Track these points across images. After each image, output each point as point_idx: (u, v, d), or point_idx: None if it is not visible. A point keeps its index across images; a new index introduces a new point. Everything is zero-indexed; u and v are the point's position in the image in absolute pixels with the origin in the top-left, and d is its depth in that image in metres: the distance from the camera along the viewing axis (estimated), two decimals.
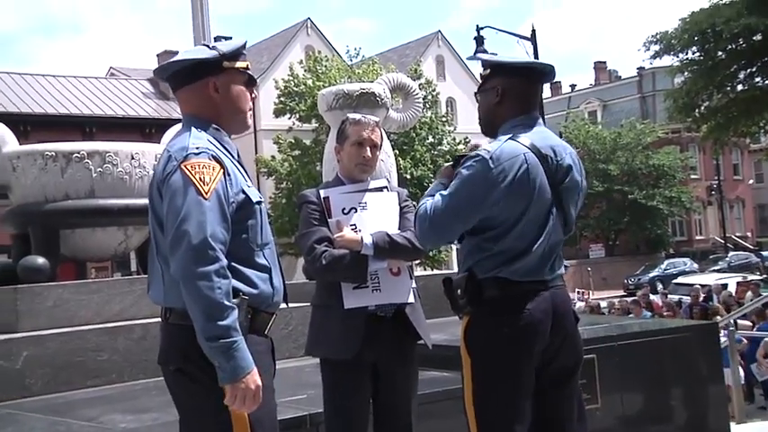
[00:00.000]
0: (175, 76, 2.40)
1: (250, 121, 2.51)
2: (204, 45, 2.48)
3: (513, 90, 2.63)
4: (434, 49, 36.72)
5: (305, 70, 27.58)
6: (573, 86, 50.96)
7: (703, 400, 4.65)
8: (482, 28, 18.49)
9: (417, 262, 3.45)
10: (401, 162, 25.00)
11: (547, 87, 51.88)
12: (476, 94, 2.81)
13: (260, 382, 2.16)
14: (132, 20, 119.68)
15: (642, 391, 4.40)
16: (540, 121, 2.69)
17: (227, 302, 2.13)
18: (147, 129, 23.44)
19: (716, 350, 4.96)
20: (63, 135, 15.47)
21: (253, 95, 2.47)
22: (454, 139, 27.76)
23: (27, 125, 22.46)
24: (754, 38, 19.61)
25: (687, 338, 4.68)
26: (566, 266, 2.75)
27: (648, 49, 21.24)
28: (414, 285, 2.99)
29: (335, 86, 3.58)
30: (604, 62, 51.10)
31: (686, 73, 21.39)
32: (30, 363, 4.12)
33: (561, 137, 21.58)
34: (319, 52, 29.24)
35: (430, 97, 27.68)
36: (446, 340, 3.69)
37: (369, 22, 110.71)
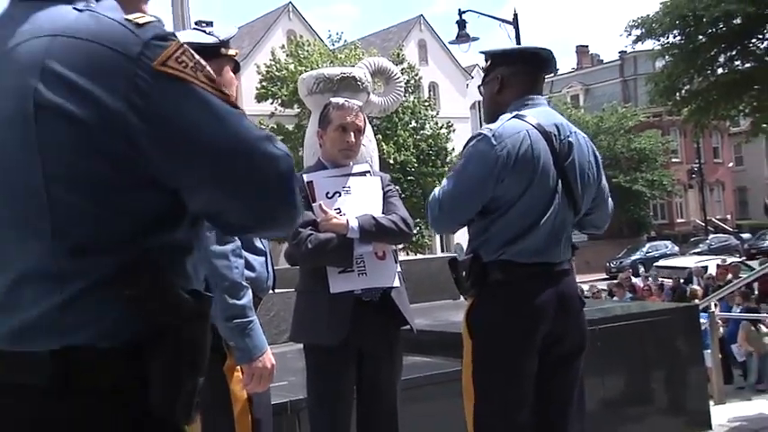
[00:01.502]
0: None
1: None
2: (200, 30, 2.49)
3: (514, 77, 2.64)
4: (416, 34, 36.70)
5: (287, 55, 27.50)
6: (555, 71, 51.13)
7: (683, 381, 4.70)
8: (464, 12, 18.45)
9: (400, 246, 3.44)
10: (384, 147, 24.99)
11: None
12: (479, 87, 2.82)
13: (274, 361, 2.18)
14: None
15: (623, 374, 4.45)
16: (544, 101, 2.69)
17: (243, 282, 2.16)
18: None
19: (696, 332, 5.02)
20: None
21: (235, 83, 2.51)
22: (437, 123, 27.79)
23: None
24: (734, 22, 19.87)
25: (667, 321, 4.72)
26: (575, 247, 2.71)
27: (630, 34, 21.57)
28: (399, 269, 2.98)
29: (316, 71, 3.53)
30: (586, 46, 51.37)
31: (667, 57, 21.70)
32: None
33: None
34: (301, 37, 29.17)
35: (412, 82, 27.66)
36: (429, 325, 3.71)
37: (352, 8, 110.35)
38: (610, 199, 2.88)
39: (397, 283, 2.92)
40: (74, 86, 1.10)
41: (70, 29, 1.13)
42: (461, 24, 18.18)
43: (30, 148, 1.11)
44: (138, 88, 1.10)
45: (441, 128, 27.36)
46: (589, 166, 2.66)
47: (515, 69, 2.64)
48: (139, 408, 1.13)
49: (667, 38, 21.12)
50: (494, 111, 2.69)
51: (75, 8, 1.17)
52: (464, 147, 2.59)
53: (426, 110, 28.13)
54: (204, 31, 2.43)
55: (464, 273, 2.55)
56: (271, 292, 2.51)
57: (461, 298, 2.69)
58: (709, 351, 6.59)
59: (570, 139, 2.59)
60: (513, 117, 2.55)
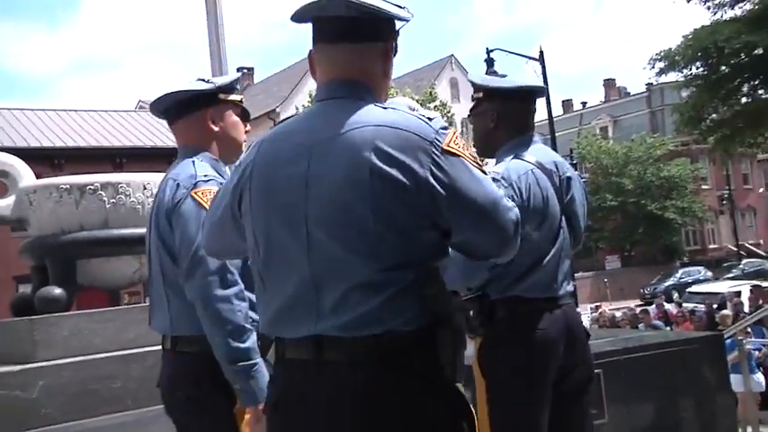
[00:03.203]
0: (173, 108, 2.43)
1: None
2: (200, 79, 2.48)
3: (509, 113, 2.66)
4: (448, 73, 37.74)
5: None
6: (584, 104, 51.69)
7: (710, 410, 4.63)
8: (492, 50, 19.27)
9: None
10: None
11: (559, 105, 52.63)
12: (468, 115, 2.85)
13: None
14: (162, 55, 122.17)
15: (648, 404, 4.41)
16: (537, 138, 2.71)
17: (247, 325, 2.14)
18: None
19: (721, 360, 4.95)
20: (95, 167, 16.11)
21: (247, 128, 2.52)
22: None
23: (61, 159, 23.50)
24: (756, 52, 20.04)
25: (692, 350, 4.69)
26: (573, 284, 2.71)
27: (653, 67, 21.87)
28: None
29: None
30: (613, 79, 51.82)
31: (691, 87, 21.88)
32: (45, 392, 4.15)
33: (572, 153, 21.93)
34: None
35: (445, 119, 28.48)
36: None
37: None
38: None
39: None
40: (396, 160, 1.54)
41: (388, 121, 1.58)
42: (489, 62, 19.03)
43: (364, 200, 1.53)
44: (436, 161, 1.56)
45: None
46: (584, 199, 2.72)
47: (511, 106, 2.65)
48: (431, 370, 1.55)
49: (690, 69, 21.28)
50: (489, 144, 2.73)
51: (376, 105, 1.64)
52: None
53: None
54: (204, 80, 2.45)
55: (471, 312, 2.52)
56: None
57: None
58: (740, 376, 6.59)
59: (568, 174, 2.64)
60: (515, 157, 2.59)
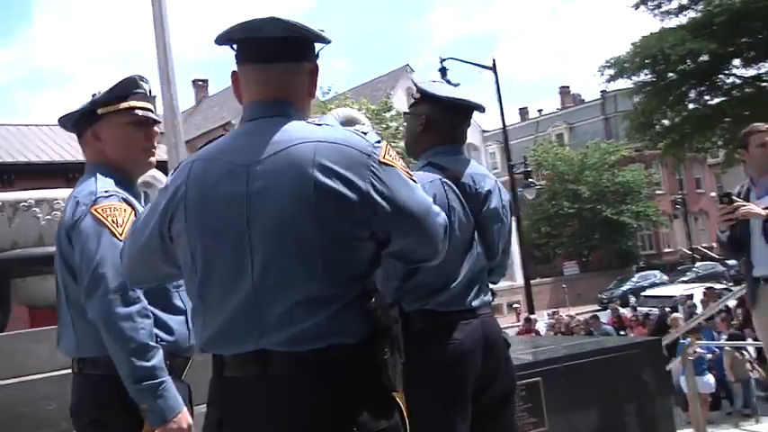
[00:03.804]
0: (70, 127, 2.41)
1: (153, 158, 2.43)
2: (94, 95, 2.38)
3: (438, 120, 2.64)
4: (404, 82, 37.72)
5: None
6: (540, 111, 52.41)
7: (651, 415, 4.68)
8: (445, 59, 19.52)
9: None
10: None
11: (515, 112, 53.19)
12: (405, 113, 2.86)
13: (191, 421, 2.11)
14: (116, 67, 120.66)
15: (589, 410, 4.43)
16: (463, 150, 2.71)
17: (151, 343, 2.08)
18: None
19: (661, 365, 5.03)
20: (47, 182, 15.91)
21: (156, 132, 2.40)
22: None
23: (11, 174, 23.12)
24: (700, 59, 20.61)
25: (632, 355, 4.73)
26: (493, 294, 2.70)
27: (603, 74, 22.38)
28: None
29: None
30: (568, 87, 52.56)
31: (641, 94, 22.37)
32: None
33: (526, 161, 21.97)
34: None
35: (401, 128, 28.67)
36: None
37: (343, 61, 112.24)
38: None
39: None
40: (338, 174, 1.58)
41: (326, 137, 1.62)
42: (443, 72, 19.30)
43: (309, 215, 1.57)
44: (375, 174, 1.61)
45: None
46: (504, 212, 2.69)
47: (439, 114, 2.64)
48: (372, 381, 1.60)
49: (639, 76, 21.83)
50: (414, 148, 2.74)
51: (309, 122, 1.68)
52: None
53: None
54: (94, 95, 2.38)
55: None
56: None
57: None
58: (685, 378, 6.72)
59: (487, 187, 2.62)
60: (427, 164, 2.60)
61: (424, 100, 2.68)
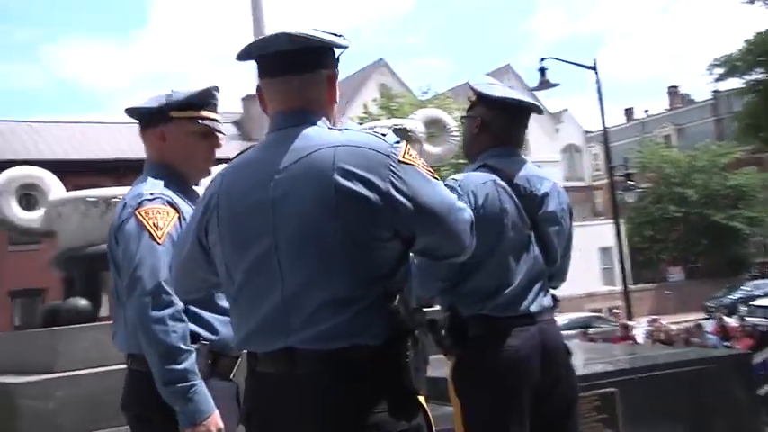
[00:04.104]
0: (139, 120, 2.44)
1: (211, 168, 2.46)
2: (167, 96, 2.43)
3: (494, 122, 2.61)
4: (505, 83, 37.32)
5: (379, 107, 28.70)
6: (647, 112, 50.81)
7: (736, 428, 4.45)
8: (544, 59, 19.22)
9: None
10: None
11: (620, 113, 51.79)
12: (462, 118, 2.83)
13: (221, 425, 2.13)
14: (230, 65, 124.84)
15: (668, 425, 4.23)
16: (519, 153, 2.66)
17: (183, 346, 2.10)
18: None
19: (748, 380, 4.71)
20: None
21: (215, 144, 2.45)
22: None
23: (127, 170, 24.19)
24: None
25: (718, 370, 4.50)
26: (557, 301, 2.62)
27: (712, 73, 21.49)
28: None
29: (368, 123, 3.68)
30: (677, 87, 50.74)
31: (752, 94, 21.48)
32: (62, 403, 4.14)
33: (627, 162, 21.34)
34: (391, 89, 30.33)
35: None
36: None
37: (444, 61, 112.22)
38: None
39: None
40: (358, 176, 1.61)
41: (345, 141, 1.66)
42: (542, 72, 18.97)
43: (330, 218, 1.61)
44: (395, 173, 1.64)
45: None
46: (563, 215, 2.63)
47: (495, 115, 2.60)
48: (393, 382, 1.61)
49: (750, 75, 21.02)
50: (470, 150, 2.71)
51: (330, 128, 1.73)
52: None
53: None
54: (167, 96, 2.42)
55: (443, 331, 2.46)
56: None
57: None
58: None
59: (544, 189, 2.57)
60: (481, 166, 2.56)
61: (479, 102, 2.66)
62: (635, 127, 47.13)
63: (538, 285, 2.52)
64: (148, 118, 2.42)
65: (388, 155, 1.66)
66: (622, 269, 19.12)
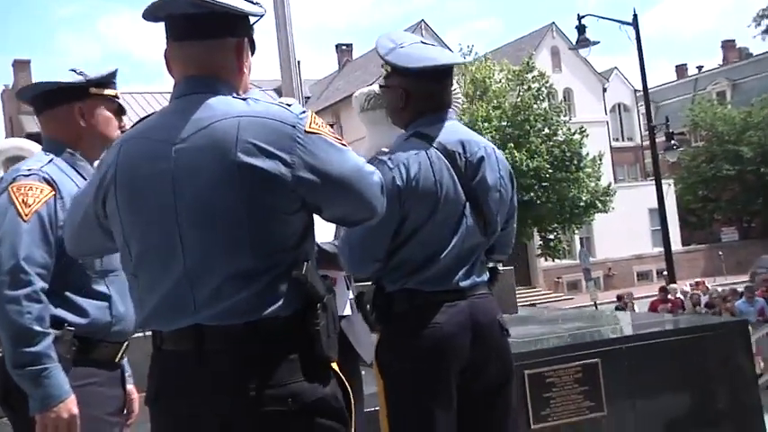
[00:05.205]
0: (39, 98, 2.36)
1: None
2: (73, 70, 2.37)
3: (418, 91, 2.42)
4: (549, 41, 36.66)
5: None
6: (700, 68, 49.22)
7: (733, 406, 4.27)
8: (583, 16, 18.75)
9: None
10: (516, 154, 25.37)
11: (672, 70, 50.34)
12: (380, 86, 2.67)
13: (75, 412, 2.04)
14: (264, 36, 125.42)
15: (656, 397, 4.06)
16: (452, 115, 2.50)
17: (37, 328, 2.01)
18: None
19: (744, 350, 4.49)
20: None
21: (122, 124, 2.41)
22: (569, 129, 27.80)
23: None
24: None
25: (711, 338, 4.35)
26: (496, 273, 2.53)
27: (759, 24, 20.67)
28: (351, 297, 2.82)
29: (367, 87, 3.56)
30: (733, 40, 48.98)
31: None
32: None
33: (668, 121, 20.78)
34: None
35: (544, 89, 27.90)
36: None
37: (490, 21, 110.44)
38: (515, 219, 2.65)
39: (347, 311, 2.79)
40: (261, 149, 1.58)
41: (249, 111, 1.62)
42: (581, 29, 18.48)
43: (233, 191, 1.58)
44: (300, 144, 1.61)
45: (573, 133, 27.40)
46: (501, 182, 2.46)
47: (417, 84, 2.41)
48: (306, 350, 1.61)
49: None
50: (401, 121, 2.52)
51: (235, 97, 1.68)
52: None
53: (558, 116, 28.17)
54: (77, 72, 2.36)
55: (368, 306, 2.37)
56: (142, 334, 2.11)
57: None
58: None
59: (479, 154, 2.41)
60: (412, 135, 2.40)
61: (396, 73, 2.45)
62: (687, 84, 45.77)
63: (471, 259, 2.39)
64: (62, 94, 2.33)
65: (293, 125, 1.62)
66: (665, 231, 18.59)
